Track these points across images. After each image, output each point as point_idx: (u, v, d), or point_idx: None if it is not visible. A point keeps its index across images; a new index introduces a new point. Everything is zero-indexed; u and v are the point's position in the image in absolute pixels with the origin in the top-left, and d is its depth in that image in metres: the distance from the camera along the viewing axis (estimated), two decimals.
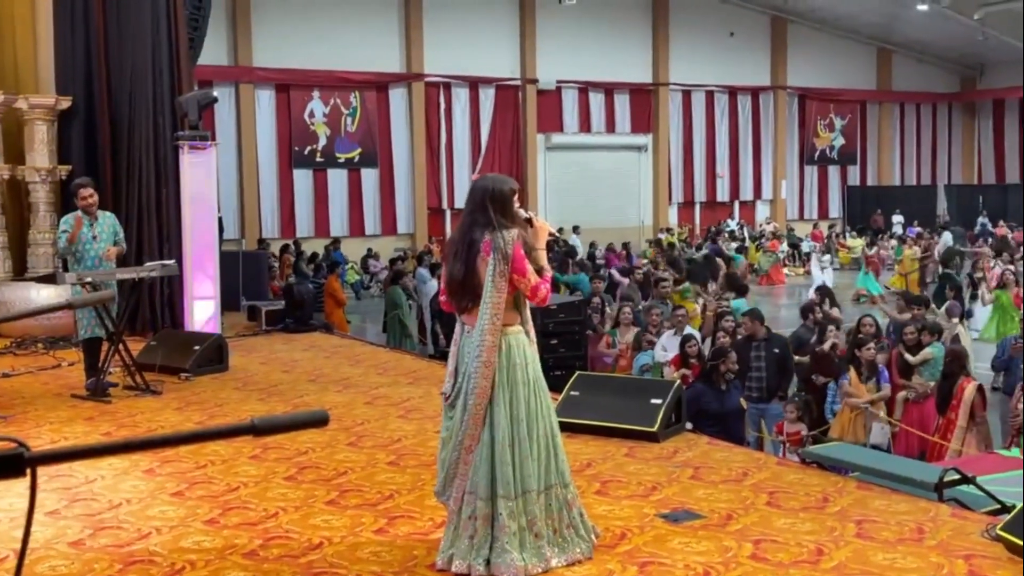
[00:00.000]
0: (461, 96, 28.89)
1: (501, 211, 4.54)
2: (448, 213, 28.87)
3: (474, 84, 28.89)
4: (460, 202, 28.44)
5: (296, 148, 26.54)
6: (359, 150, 27.55)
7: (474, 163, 28.87)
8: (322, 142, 27.02)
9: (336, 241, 25.53)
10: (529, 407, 4.51)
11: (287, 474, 6.05)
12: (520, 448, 4.47)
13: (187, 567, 4.61)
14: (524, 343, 4.60)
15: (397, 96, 27.94)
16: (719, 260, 20.14)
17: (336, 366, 9.92)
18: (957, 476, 5.67)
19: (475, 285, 4.52)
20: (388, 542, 4.88)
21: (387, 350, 11.64)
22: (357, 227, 27.53)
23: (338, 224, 27.19)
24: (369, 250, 25.98)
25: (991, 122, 38.23)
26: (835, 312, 12.03)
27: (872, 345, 9.16)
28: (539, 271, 4.57)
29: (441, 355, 12.93)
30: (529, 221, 4.70)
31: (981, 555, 4.66)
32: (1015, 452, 7.39)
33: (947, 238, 26.05)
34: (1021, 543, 4.59)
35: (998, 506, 5.45)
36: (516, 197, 4.65)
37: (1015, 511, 4.88)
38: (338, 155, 27.25)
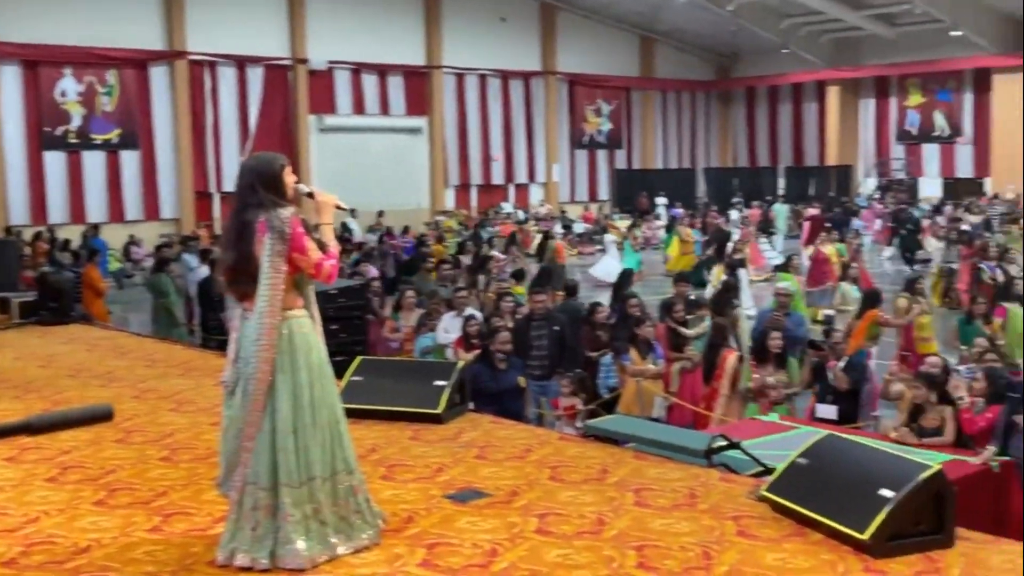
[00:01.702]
0: (228, 76, 27.95)
1: (273, 190, 4.39)
2: (217, 197, 27.90)
3: (241, 63, 28.01)
4: (229, 185, 27.55)
5: (47, 129, 24.94)
6: (118, 131, 26.18)
7: (243, 145, 28.01)
8: (76, 122, 25.51)
9: (95, 227, 24.17)
10: (313, 393, 4.39)
11: (48, 475, 5.64)
12: (304, 435, 4.35)
13: None
14: (307, 327, 4.47)
15: (159, 75, 26.72)
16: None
17: (99, 359, 9.35)
18: (724, 442, 5.97)
19: (252, 268, 4.35)
20: (163, 540, 4.63)
21: (155, 341, 11.09)
22: (117, 212, 26.17)
23: (96, 209, 25.74)
24: (131, 237, 24.76)
25: (744, 108, 40.58)
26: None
27: (648, 324, 9.51)
28: (324, 247, 4.44)
29: (216, 344, 12.49)
30: (311, 195, 4.58)
31: (748, 515, 4.91)
32: (773, 417, 7.87)
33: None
34: (784, 502, 4.87)
35: (761, 468, 5.77)
36: (290, 172, 4.51)
37: (777, 473, 5.18)
38: (94, 136, 25.81)
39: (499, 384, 8.43)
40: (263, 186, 4.37)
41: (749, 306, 13.24)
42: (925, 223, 24.77)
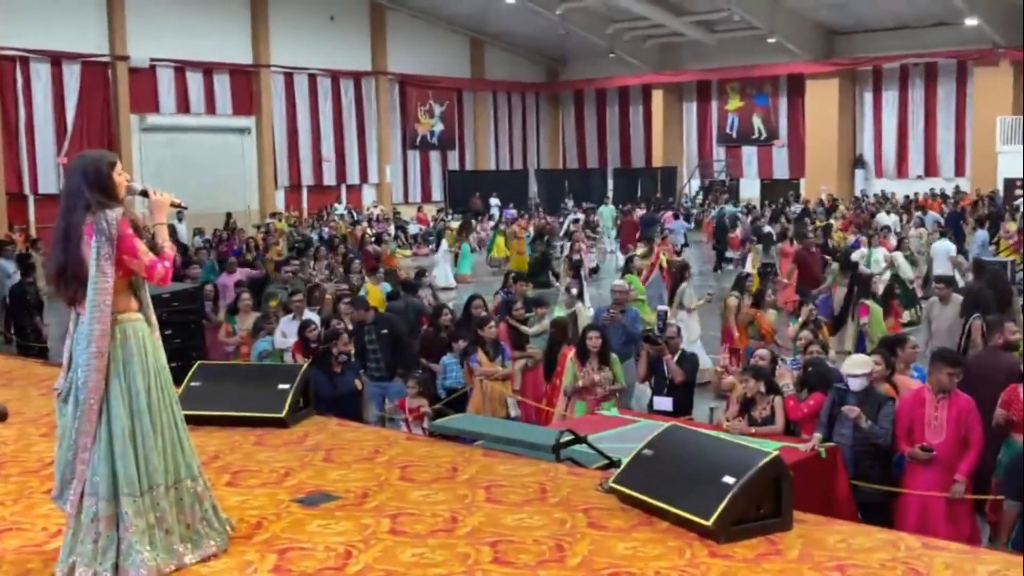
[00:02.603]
0: (41, 73, 26.68)
1: (100, 189, 4.21)
2: (31, 199, 26.56)
3: (56, 60, 26.76)
4: (45, 187, 26.32)
5: None
6: None
7: (59, 145, 26.78)
8: None
9: None
10: (151, 398, 4.25)
11: None
12: (144, 442, 4.21)
13: None
14: (143, 331, 4.31)
15: None
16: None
17: None
18: (571, 437, 6.08)
19: (81, 272, 4.17)
20: None
21: None
22: None
23: None
24: None
25: (573, 111, 41.40)
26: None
27: (492, 324, 9.58)
28: (158, 249, 4.30)
29: (35, 352, 11.87)
30: (145, 194, 4.43)
31: (598, 507, 5.03)
32: (613, 411, 8.05)
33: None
34: (631, 492, 5.01)
35: (607, 461, 5.91)
36: (120, 170, 4.34)
37: (623, 465, 5.31)
38: None
39: (337, 389, 8.35)
40: (89, 186, 4.20)
41: (587, 304, 13.46)
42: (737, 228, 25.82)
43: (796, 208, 29.03)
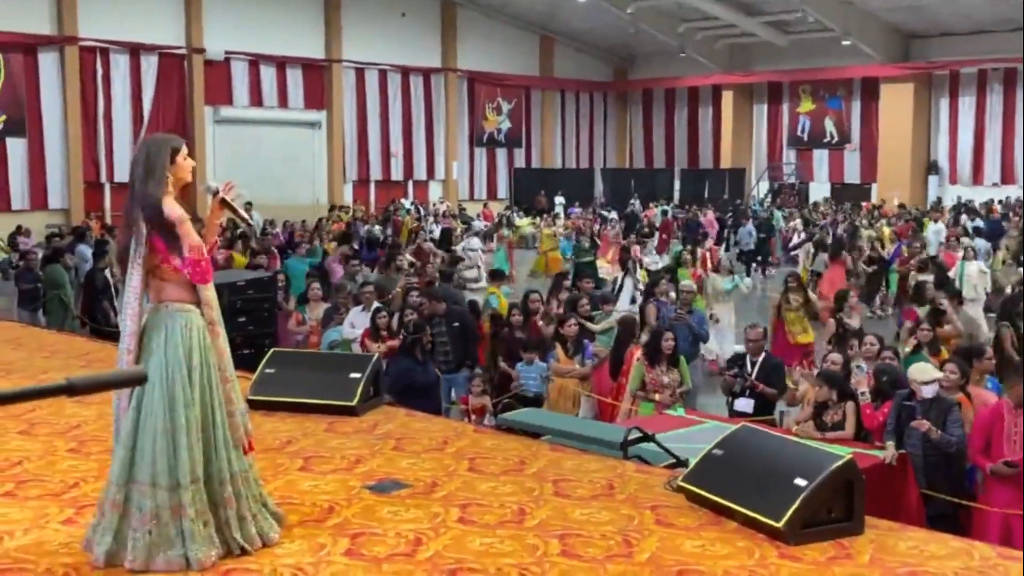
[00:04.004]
0: (120, 63, 27.21)
1: (158, 175, 4.26)
2: (108, 187, 27.14)
3: (135, 51, 27.29)
4: (120, 176, 26.87)
5: None
6: (3, 117, 25.25)
7: (136, 135, 27.29)
8: None
9: None
10: (192, 393, 4.22)
11: None
12: (177, 435, 4.17)
13: None
14: (196, 323, 4.29)
15: (48, 60, 25.86)
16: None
17: None
18: (639, 435, 6.08)
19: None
20: (79, 533, 4.50)
21: (52, 332, 10.75)
22: (3, 202, 25.32)
23: None
24: (19, 227, 23.86)
25: (641, 110, 41.18)
26: None
27: (574, 321, 9.57)
28: (194, 247, 4.25)
29: (105, 335, 12.13)
30: (215, 193, 4.48)
31: (665, 505, 5.03)
32: (680, 411, 8.03)
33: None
34: (700, 491, 5.00)
35: (673, 460, 5.91)
36: (186, 155, 4.38)
37: (693, 464, 5.31)
38: None
39: (427, 377, 8.46)
40: (148, 171, 4.26)
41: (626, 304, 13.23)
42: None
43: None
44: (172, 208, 4.25)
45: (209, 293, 4.35)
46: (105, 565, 4.14)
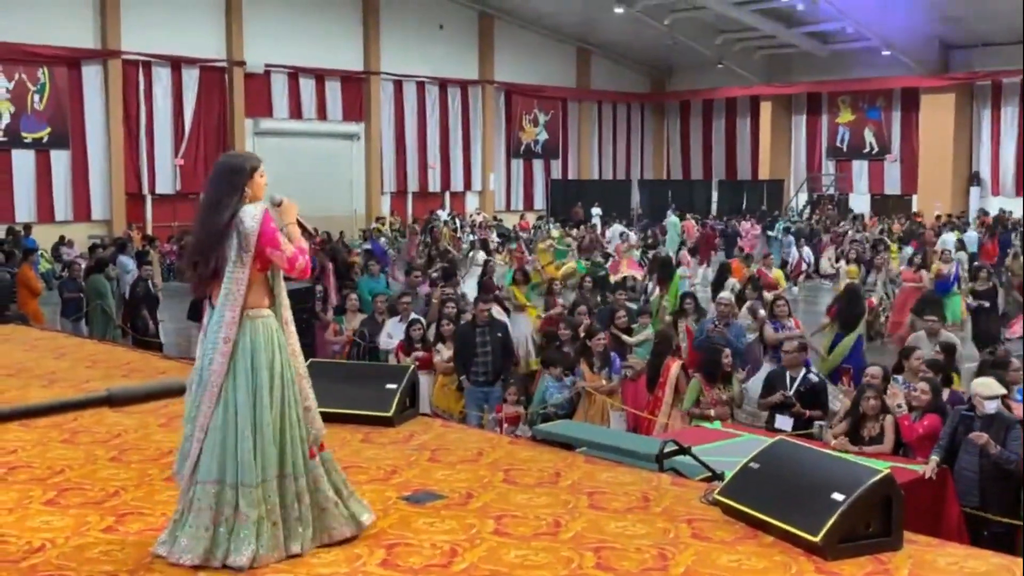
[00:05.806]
0: (162, 76, 27.58)
1: (242, 188, 4.44)
2: (149, 199, 27.49)
3: (177, 64, 27.65)
4: (161, 187, 27.22)
5: None
6: (48, 130, 25.69)
7: (177, 147, 27.67)
8: (5, 120, 24.99)
9: (27, 227, 23.66)
10: (272, 393, 4.38)
11: None
12: (260, 435, 4.33)
13: None
14: (273, 326, 4.47)
15: (91, 73, 26.29)
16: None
17: (38, 360, 9.15)
18: (675, 447, 6.06)
19: (219, 266, 4.38)
20: (119, 540, 4.57)
21: (94, 342, 10.88)
22: (46, 212, 25.68)
23: (25, 209, 25.27)
24: (62, 237, 24.26)
25: (678, 122, 41.10)
26: None
27: (602, 336, 9.55)
28: (293, 243, 4.48)
29: (149, 346, 12.27)
30: (279, 204, 4.60)
31: (701, 518, 5.00)
32: (717, 424, 8.00)
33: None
34: (737, 505, 4.97)
35: (709, 474, 5.87)
36: (260, 172, 4.54)
37: (730, 477, 5.28)
38: (24, 134, 25.30)
39: None
40: (233, 185, 4.42)
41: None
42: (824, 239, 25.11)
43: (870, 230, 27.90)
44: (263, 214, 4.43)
45: (284, 294, 4.57)
46: (186, 564, 4.23)
